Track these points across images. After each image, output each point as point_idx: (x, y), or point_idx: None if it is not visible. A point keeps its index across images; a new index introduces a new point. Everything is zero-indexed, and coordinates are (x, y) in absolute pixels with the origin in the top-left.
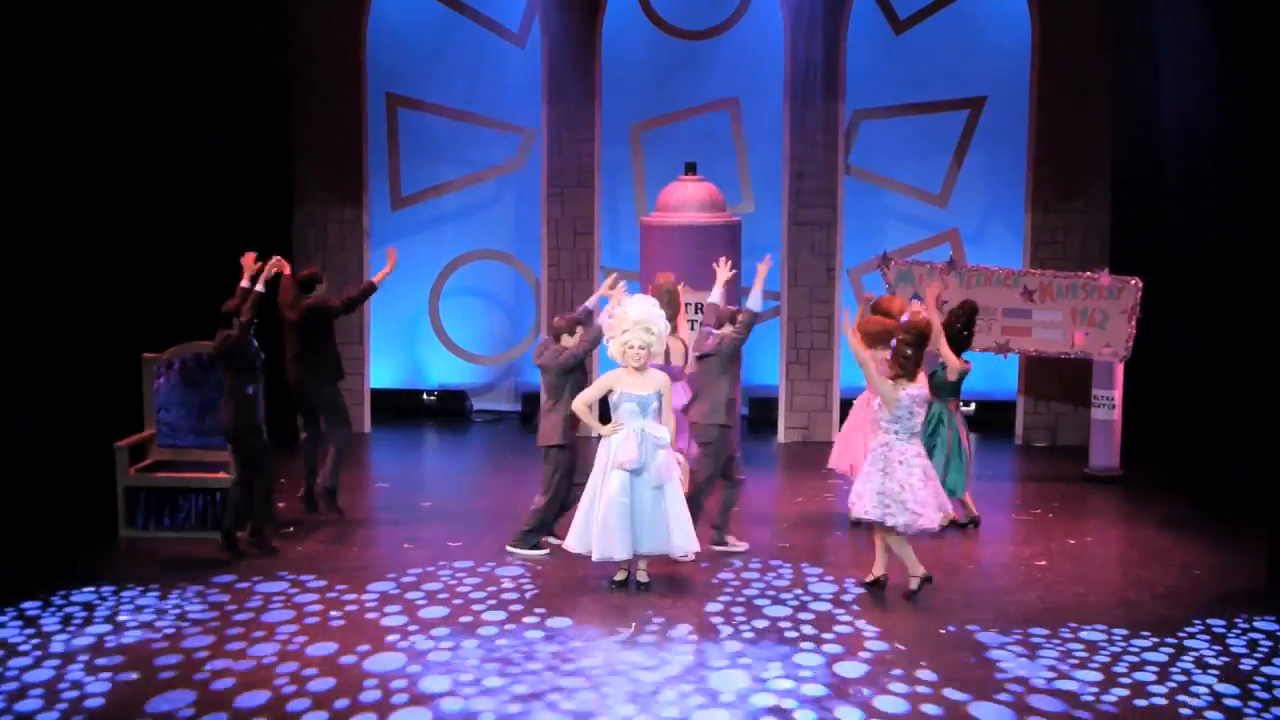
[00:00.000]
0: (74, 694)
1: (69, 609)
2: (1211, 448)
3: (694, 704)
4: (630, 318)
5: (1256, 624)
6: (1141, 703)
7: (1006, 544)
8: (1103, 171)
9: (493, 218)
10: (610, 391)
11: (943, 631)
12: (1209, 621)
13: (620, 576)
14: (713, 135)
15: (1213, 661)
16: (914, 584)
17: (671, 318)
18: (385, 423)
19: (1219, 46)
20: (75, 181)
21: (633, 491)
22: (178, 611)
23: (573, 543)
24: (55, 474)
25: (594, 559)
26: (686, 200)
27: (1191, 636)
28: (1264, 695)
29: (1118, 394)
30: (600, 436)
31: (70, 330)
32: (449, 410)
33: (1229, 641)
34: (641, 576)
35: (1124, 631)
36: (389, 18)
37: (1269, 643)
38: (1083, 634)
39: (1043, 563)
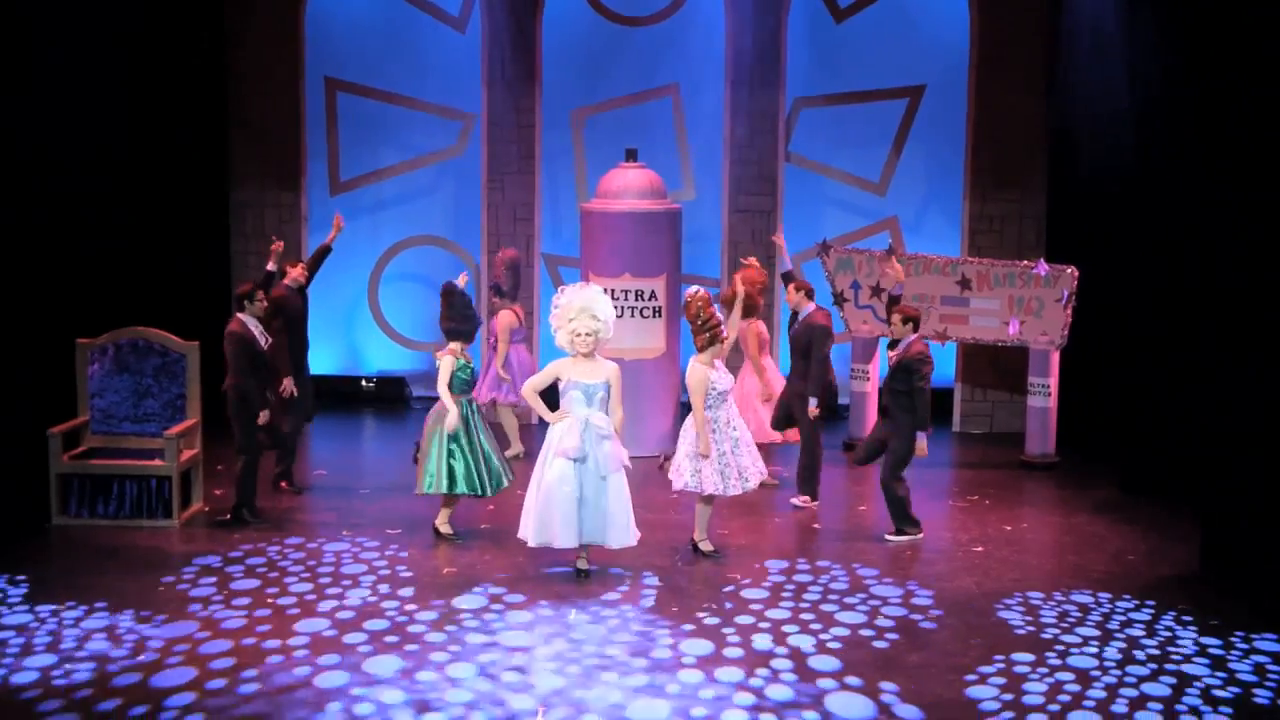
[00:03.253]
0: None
1: None
2: (1144, 434)
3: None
4: (575, 305)
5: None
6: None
7: (944, 530)
8: (1039, 161)
9: (432, 203)
10: (558, 379)
11: (877, 618)
12: (1143, 605)
13: (584, 565)
14: (654, 122)
15: (1151, 649)
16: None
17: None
18: (324, 410)
19: (1155, 36)
20: (6, 163)
21: (576, 480)
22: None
23: (522, 531)
24: None
25: (529, 544)
26: (627, 187)
27: (1128, 624)
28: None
29: (1053, 382)
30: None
31: (2, 314)
32: (388, 397)
33: (1156, 627)
34: (581, 564)
35: (1053, 615)
36: (328, 1)
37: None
38: (1015, 617)
39: (979, 549)
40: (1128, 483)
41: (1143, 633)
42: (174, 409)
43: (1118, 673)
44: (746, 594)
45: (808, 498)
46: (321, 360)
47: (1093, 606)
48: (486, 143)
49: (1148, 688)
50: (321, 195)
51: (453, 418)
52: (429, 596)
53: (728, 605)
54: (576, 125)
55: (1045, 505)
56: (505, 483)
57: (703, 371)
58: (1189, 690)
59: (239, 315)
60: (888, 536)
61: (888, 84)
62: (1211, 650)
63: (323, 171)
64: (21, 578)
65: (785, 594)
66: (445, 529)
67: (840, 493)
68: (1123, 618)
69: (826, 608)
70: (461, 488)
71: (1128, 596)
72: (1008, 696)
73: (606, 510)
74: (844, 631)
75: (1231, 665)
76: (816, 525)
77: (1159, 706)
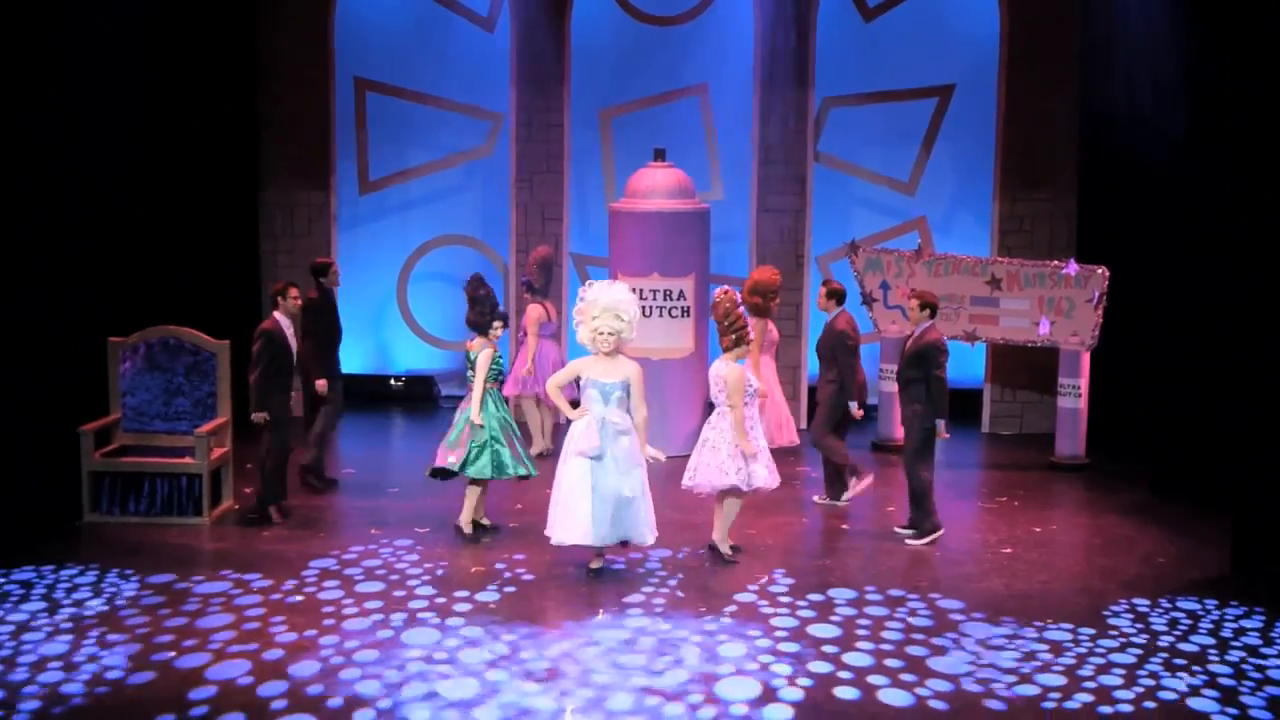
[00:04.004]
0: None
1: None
2: (1175, 436)
3: (660, 687)
4: (600, 304)
5: (1227, 612)
6: (1107, 709)
7: (972, 531)
8: (1070, 160)
9: (461, 203)
10: (579, 377)
11: (912, 619)
12: (1176, 605)
13: (596, 564)
14: (682, 122)
15: (1182, 648)
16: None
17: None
18: (353, 408)
19: (1186, 35)
20: (41, 166)
21: (593, 478)
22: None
23: (549, 529)
24: (20, 458)
25: (551, 542)
26: (655, 186)
27: (1163, 630)
28: (1231, 682)
29: (1084, 382)
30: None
31: (36, 314)
32: (416, 396)
33: (1200, 626)
34: (595, 564)
35: (1090, 629)
36: (358, 1)
37: (1233, 626)
38: (1047, 625)
39: (1008, 550)
40: (1158, 485)
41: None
42: (204, 407)
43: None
44: (772, 591)
45: (836, 498)
46: (351, 359)
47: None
48: (515, 142)
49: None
50: (351, 195)
51: (476, 409)
52: (455, 594)
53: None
54: (605, 125)
55: (1074, 507)
56: (531, 470)
57: (741, 370)
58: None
59: (275, 314)
60: (907, 540)
61: (917, 83)
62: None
63: (352, 171)
64: (55, 568)
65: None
66: (467, 529)
67: (869, 494)
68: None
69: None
70: (510, 471)
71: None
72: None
73: (625, 508)
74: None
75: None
76: (845, 525)
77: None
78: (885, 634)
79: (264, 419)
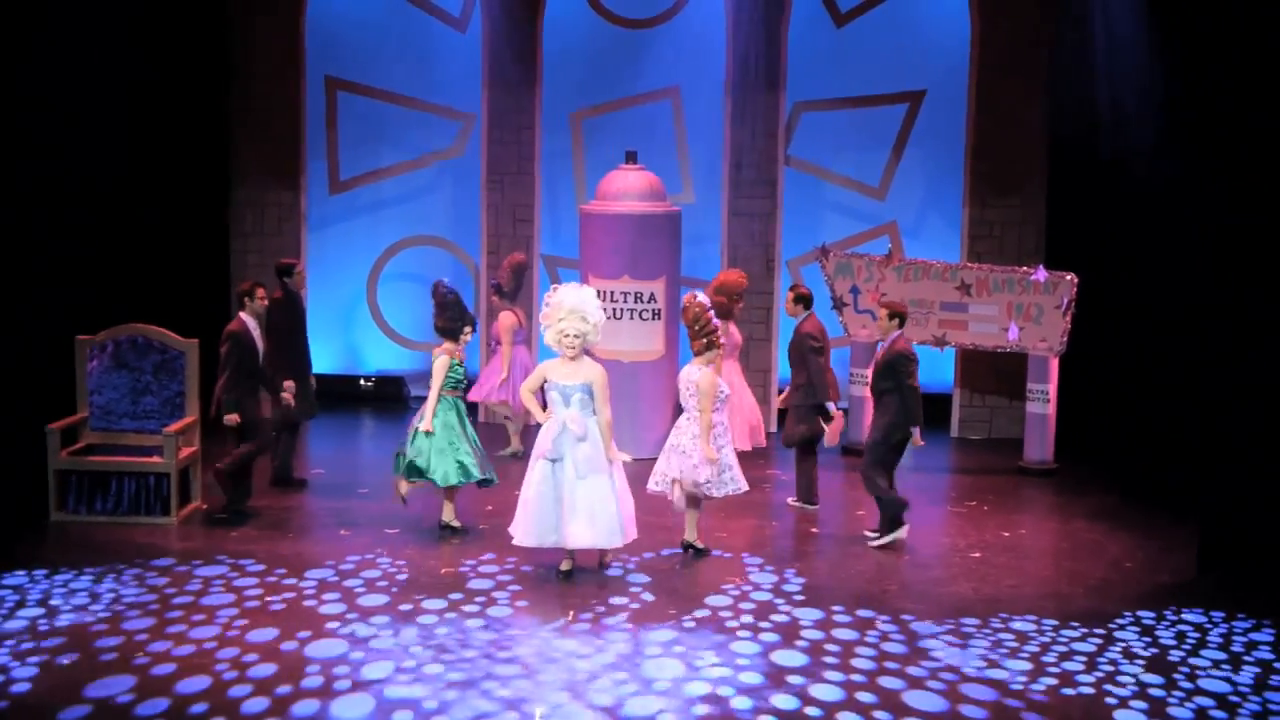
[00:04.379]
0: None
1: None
2: (1142, 441)
3: (628, 692)
4: (565, 306)
5: (1184, 615)
6: (1069, 691)
7: (941, 536)
8: (1039, 167)
9: (432, 203)
10: (545, 380)
11: (879, 621)
12: (1139, 613)
13: (566, 566)
14: (653, 125)
15: (1140, 653)
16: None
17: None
18: (322, 408)
19: (1155, 44)
20: (9, 164)
21: (552, 480)
22: (113, 595)
23: (513, 529)
24: None
25: (513, 542)
26: (627, 189)
27: (1121, 628)
28: (1188, 685)
29: (1052, 388)
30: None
31: (2, 312)
32: (386, 396)
33: (1158, 633)
34: (565, 566)
35: (1054, 622)
36: (330, 0)
37: (1196, 634)
38: (1014, 624)
39: (977, 554)
40: (1126, 489)
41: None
42: (173, 406)
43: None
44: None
45: (805, 502)
46: (320, 359)
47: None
48: (486, 143)
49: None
50: (321, 194)
51: (428, 420)
52: (426, 597)
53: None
54: (576, 127)
55: (1043, 511)
56: (491, 475)
57: (713, 375)
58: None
59: (241, 315)
60: (870, 541)
61: (888, 89)
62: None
63: (323, 170)
64: (21, 572)
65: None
66: (455, 521)
67: (838, 497)
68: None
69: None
70: (477, 475)
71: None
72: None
73: (583, 511)
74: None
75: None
76: (815, 529)
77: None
78: (857, 654)
79: (236, 421)
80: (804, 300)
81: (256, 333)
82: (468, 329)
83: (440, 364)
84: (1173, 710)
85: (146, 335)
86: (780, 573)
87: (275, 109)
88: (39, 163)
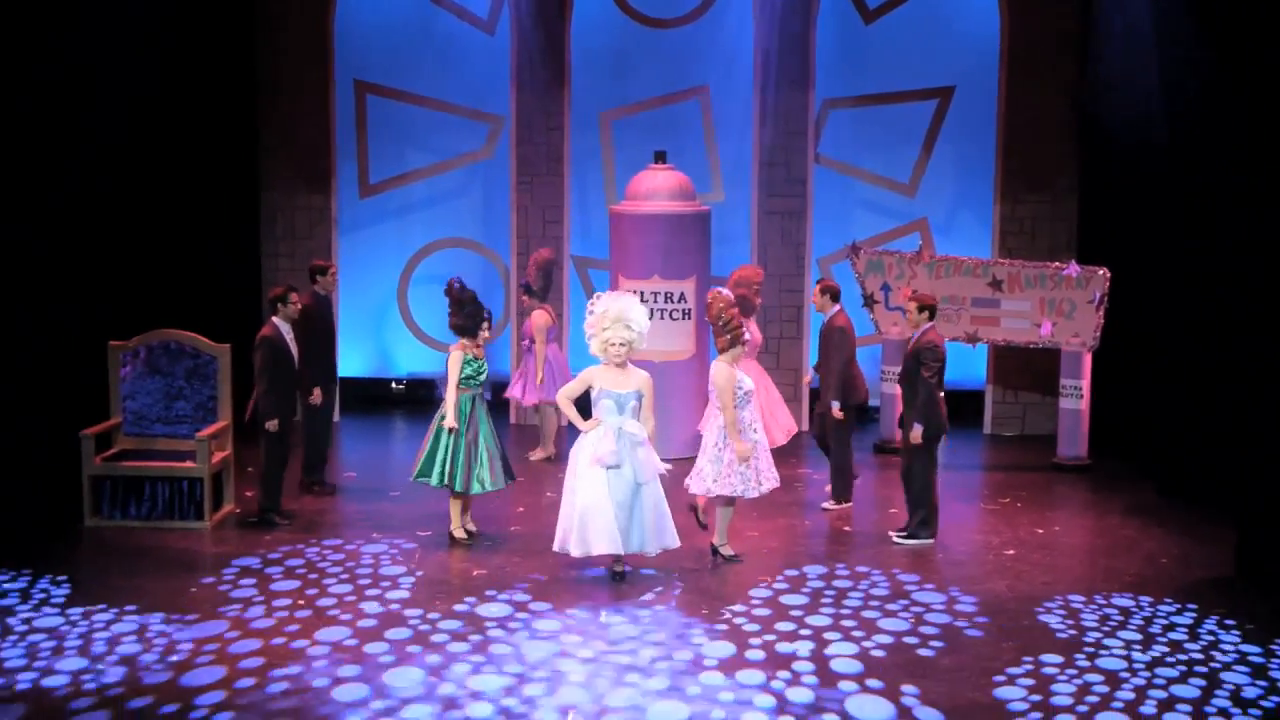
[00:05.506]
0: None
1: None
2: (1178, 436)
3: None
4: (610, 315)
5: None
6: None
7: (975, 533)
8: (1071, 162)
9: (461, 206)
10: (590, 387)
11: (910, 621)
12: (1173, 610)
13: (620, 567)
14: (682, 124)
15: (1180, 654)
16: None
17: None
18: (353, 411)
19: (1189, 33)
20: (41, 170)
21: (610, 488)
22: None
23: (558, 544)
24: (20, 462)
25: (573, 554)
26: (656, 189)
27: (1168, 630)
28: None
29: (1085, 383)
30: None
31: (36, 318)
32: (417, 399)
33: (1198, 631)
34: (618, 567)
35: (1092, 620)
36: (358, 4)
37: (1234, 636)
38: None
39: (1011, 552)
40: (1161, 485)
41: (1185, 637)
42: (205, 411)
43: (1146, 675)
44: (759, 595)
45: (837, 500)
46: (351, 362)
47: (1134, 610)
48: (515, 145)
49: (1177, 689)
50: (351, 198)
51: (451, 416)
52: (457, 600)
53: (749, 610)
54: (605, 127)
55: (1077, 508)
56: (488, 487)
57: (729, 370)
58: (1218, 693)
59: (273, 319)
60: (895, 539)
61: (917, 85)
62: (1252, 658)
63: (352, 174)
64: (63, 579)
65: (821, 598)
66: (459, 533)
67: (872, 496)
68: (1164, 621)
69: (868, 614)
70: (489, 487)
71: (1169, 600)
72: (1036, 698)
73: (644, 517)
74: (887, 639)
75: (1273, 674)
76: (848, 528)
77: (1188, 709)
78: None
79: (276, 427)
80: (831, 293)
81: (290, 337)
82: (486, 325)
83: (454, 359)
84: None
85: (179, 340)
86: (813, 572)
87: (305, 113)
88: (68, 168)
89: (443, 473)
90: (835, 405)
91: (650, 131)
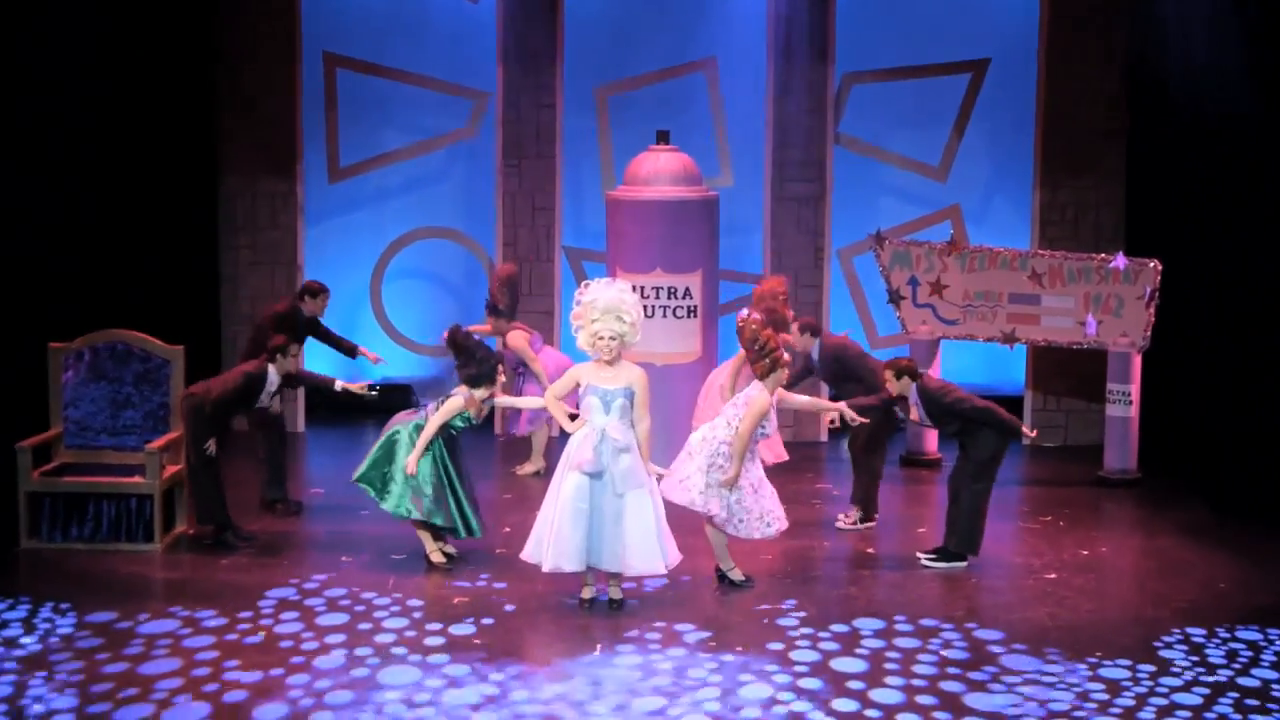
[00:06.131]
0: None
1: None
2: (1237, 448)
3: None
4: (600, 305)
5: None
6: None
7: (1013, 555)
8: (1118, 142)
9: (442, 191)
10: (578, 385)
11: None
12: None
13: (588, 594)
14: (688, 100)
15: (1240, 682)
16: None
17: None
18: (322, 420)
19: (1245, 2)
20: None
21: (590, 498)
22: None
23: (529, 551)
24: None
25: (544, 569)
26: (658, 172)
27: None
28: None
29: (1135, 389)
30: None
31: None
32: (393, 406)
33: (1261, 658)
34: (614, 593)
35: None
36: None
37: None
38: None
39: (1053, 575)
40: (1218, 502)
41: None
42: (156, 420)
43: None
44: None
45: (858, 518)
46: (317, 366)
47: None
48: (501, 124)
49: None
50: (320, 183)
51: (415, 457)
52: (433, 628)
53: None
54: (601, 104)
55: (1126, 527)
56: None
57: (765, 402)
58: None
59: (269, 365)
60: (923, 561)
61: (948, 57)
62: None
63: (320, 157)
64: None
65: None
66: (437, 558)
67: (898, 513)
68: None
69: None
70: (462, 533)
71: (1223, 628)
72: None
73: (624, 532)
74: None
75: None
76: (871, 550)
77: None
78: (917, 668)
79: (214, 447)
80: (810, 329)
81: (273, 389)
82: (502, 370)
83: (452, 403)
84: None
85: (127, 342)
86: (834, 597)
87: (268, 89)
88: (4, 152)
89: (443, 513)
90: (844, 405)
91: (652, 109)
